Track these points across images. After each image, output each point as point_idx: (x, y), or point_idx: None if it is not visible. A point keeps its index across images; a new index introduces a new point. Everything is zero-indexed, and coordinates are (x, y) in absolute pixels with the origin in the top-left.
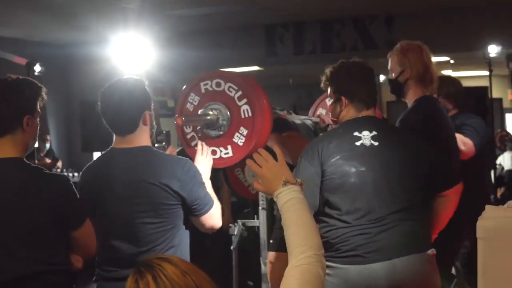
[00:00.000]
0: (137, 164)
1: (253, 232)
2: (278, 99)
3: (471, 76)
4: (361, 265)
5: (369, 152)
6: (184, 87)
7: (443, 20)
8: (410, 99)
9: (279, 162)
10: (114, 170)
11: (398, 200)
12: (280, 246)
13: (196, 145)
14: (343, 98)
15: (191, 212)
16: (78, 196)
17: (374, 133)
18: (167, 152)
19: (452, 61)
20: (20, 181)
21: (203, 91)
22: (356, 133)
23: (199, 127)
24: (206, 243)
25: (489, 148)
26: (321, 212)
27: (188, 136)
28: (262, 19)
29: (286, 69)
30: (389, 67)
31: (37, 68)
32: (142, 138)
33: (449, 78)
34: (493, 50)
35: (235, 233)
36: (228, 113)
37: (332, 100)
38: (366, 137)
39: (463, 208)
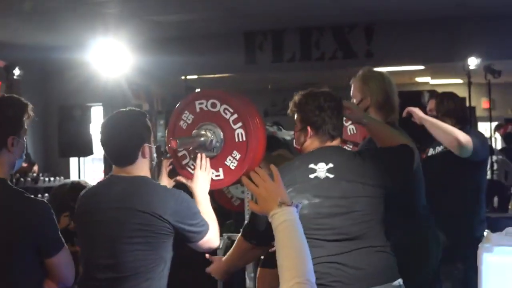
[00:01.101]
0: (131, 191)
1: None
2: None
3: (448, 84)
4: None
5: (323, 184)
6: (178, 104)
7: (423, 30)
8: None
9: (276, 182)
10: (108, 195)
11: (357, 227)
12: (266, 262)
13: (187, 164)
14: (308, 128)
15: (186, 240)
16: (56, 224)
17: (330, 165)
18: (164, 163)
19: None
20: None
21: (197, 110)
22: (311, 166)
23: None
24: (187, 252)
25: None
26: None
27: (180, 154)
28: (241, 26)
29: (264, 75)
30: (351, 93)
31: (16, 71)
32: (141, 170)
33: (447, 94)
34: (473, 62)
35: (220, 246)
36: (222, 135)
37: (297, 128)
38: (321, 170)
39: (457, 228)
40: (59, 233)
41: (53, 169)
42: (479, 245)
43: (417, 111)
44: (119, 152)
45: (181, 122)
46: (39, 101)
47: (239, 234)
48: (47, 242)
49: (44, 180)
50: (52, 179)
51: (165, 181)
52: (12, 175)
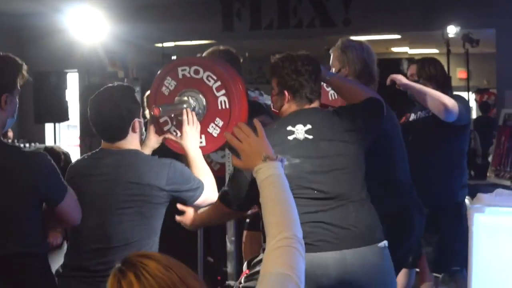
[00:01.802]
0: (122, 164)
1: None
2: None
3: (426, 53)
4: (310, 253)
5: (302, 145)
6: (160, 70)
7: None
8: None
9: (260, 137)
10: (98, 167)
11: (340, 186)
12: (252, 224)
13: (169, 130)
14: (285, 92)
15: (184, 202)
16: (57, 170)
17: (309, 126)
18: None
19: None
20: None
21: (180, 76)
22: (289, 128)
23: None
24: (166, 221)
25: (466, 135)
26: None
27: (161, 120)
28: None
29: (241, 43)
30: (330, 63)
31: None
32: (131, 144)
33: (428, 59)
34: (452, 30)
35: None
36: (205, 102)
37: (274, 92)
38: (299, 131)
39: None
40: (61, 177)
41: (28, 135)
42: (469, 206)
43: (400, 77)
44: (110, 128)
45: (163, 88)
46: None
47: (216, 197)
48: (52, 192)
49: (19, 146)
50: (27, 145)
51: (153, 138)
52: None
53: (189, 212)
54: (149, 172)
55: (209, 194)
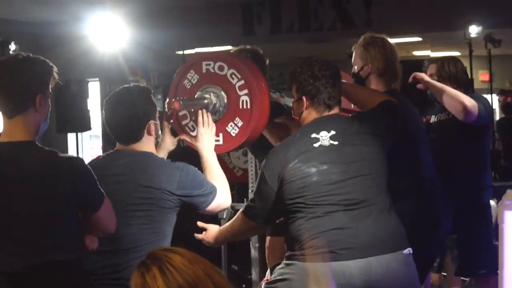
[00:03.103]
0: (135, 166)
1: None
2: None
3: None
4: (334, 262)
5: (329, 151)
6: (184, 63)
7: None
8: None
9: None
10: (111, 168)
11: (367, 191)
12: (276, 230)
13: (187, 125)
14: (303, 98)
15: (196, 208)
16: (95, 177)
17: (333, 132)
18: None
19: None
20: (35, 166)
21: (204, 70)
22: (313, 135)
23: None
24: (184, 226)
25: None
26: (288, 218)
27: (181, 114)
28: None
29: (262, 48)
30: (352, 61)
31: (12, 46)
32: (146, 147)
33: (448, 58)
34: (474, 30)
35: (224, 217)
36: (226, 100)
37: (294, 99)
38: (324, 138)
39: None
40: (98, 184)
41: (50, 145)
42: (499, 204)
43: (423, 75)
44: (124, 130)
45: (185, 81)
46: None
47: (241, 211)
48: (91, 198)
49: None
50: None
51: (168, 140)
52: None
53: (211, 229)
54: (160, 176)
55: (222, 200)
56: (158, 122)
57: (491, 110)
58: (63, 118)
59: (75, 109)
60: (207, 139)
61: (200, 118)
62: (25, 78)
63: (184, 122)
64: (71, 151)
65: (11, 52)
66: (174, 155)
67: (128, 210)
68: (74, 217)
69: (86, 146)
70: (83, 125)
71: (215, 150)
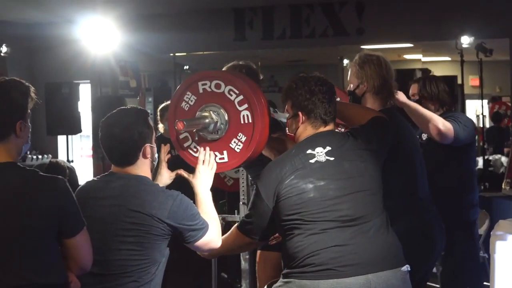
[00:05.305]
0: (127, 190)
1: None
2: None
3: (439, 61)
4: (333, 280)
5: (326, 167)
6: (179, 86)
7: (415, 8)
8: None
9: None
10: (103, 191)
11: (365, 207)
12: (267, 245)
13: (189, 146)
14: (300, 113)
15: (185, 241)
16: (76, 201)
17: (328, 148)
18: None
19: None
20: (15, 186)
21: (200, 91)
22: (309, 151)
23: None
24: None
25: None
26: (285, 235)
27: (181, 137)
28: (231, 3)
29: (253, 52)
30: (348, 79)
31: (3, 48)
32: (141, 170)
33: (430, 78)
34: (465, 40)
35: None
36: (227, 117)
37: (289, 115)
38: (320, 154)
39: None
40: (80, 210)
41: (41, 147)
42: (491, 233)
43: (400, 95)
44: (119, 152)
45: (183, 104)
46: (26, 78)
47: (236, 227)
48: (69, 220)
49: (32, 158)
50: (40, 157)
51: (165, 174)
52: None
53: None
54: (152, 202)
55: (213, 238)
56: (154, 145)
57: (472, 128)
58: (54, 120)
59: (66, 112)
60: (205, 178)
61: (201, 156)
62: (4, 108)
63: (186, 144)
64: (61, 152)
65: (2, 54)
66: (174, 182)
67: (118, 234)
68: (56, 239)
69: (76, 146)
70: (74, 128)
71: (222, 168)
